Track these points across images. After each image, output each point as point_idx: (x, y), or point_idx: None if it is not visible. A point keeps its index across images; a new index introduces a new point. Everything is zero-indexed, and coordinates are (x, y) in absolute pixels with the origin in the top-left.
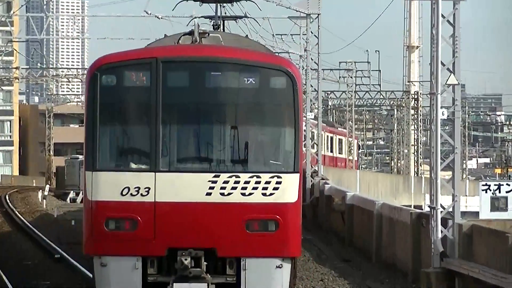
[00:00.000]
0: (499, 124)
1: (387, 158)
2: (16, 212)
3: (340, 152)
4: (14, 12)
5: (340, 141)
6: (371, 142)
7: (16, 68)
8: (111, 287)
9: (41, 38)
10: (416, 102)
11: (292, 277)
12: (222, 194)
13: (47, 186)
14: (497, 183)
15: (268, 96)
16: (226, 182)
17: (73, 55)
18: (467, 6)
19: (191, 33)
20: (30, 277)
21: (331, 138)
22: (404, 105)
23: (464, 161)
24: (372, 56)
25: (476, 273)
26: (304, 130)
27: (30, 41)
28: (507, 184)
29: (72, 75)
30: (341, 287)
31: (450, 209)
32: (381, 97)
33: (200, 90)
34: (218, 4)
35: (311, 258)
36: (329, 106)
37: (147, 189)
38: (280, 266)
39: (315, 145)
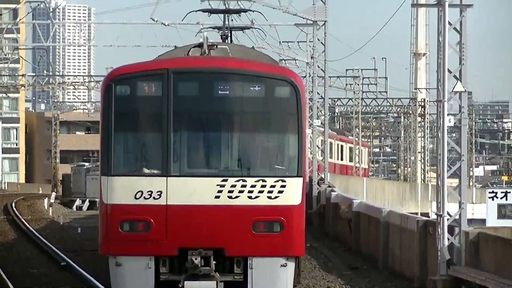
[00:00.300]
0: (506, 131)
1: (394, 165)
2: (22, 220)
3: (351, 160)
4: (20, 20)
5: (351, 149)
6: (378, 150)
7: (23, 75)
8: (125, 285)
9: (47, 45)
10: (423, 109)
11: (296, 275)
12: (230, 197)
13: (53, 193)
14: (504, 190)
15: (272, 104)
16: (233, 186)
17: (79, 63)
18: (474, 13)
19: (200, 45)
20: (35, 285)
21: (342, 146)
22: (411, 112)
23: (471, 169)
24: (379, 63)
25: (482, 280)
26: (311, 137)
27: (37, 48)
28: None
29: (78, 82)
30: None
31: (457, 217)
32: (388, 104)
33: (209, 100)
34: (226, 15)
35: (317, 266)
36: (335, 113)
37: (159, 193)
38: (285, 265)
39: (321, 152)
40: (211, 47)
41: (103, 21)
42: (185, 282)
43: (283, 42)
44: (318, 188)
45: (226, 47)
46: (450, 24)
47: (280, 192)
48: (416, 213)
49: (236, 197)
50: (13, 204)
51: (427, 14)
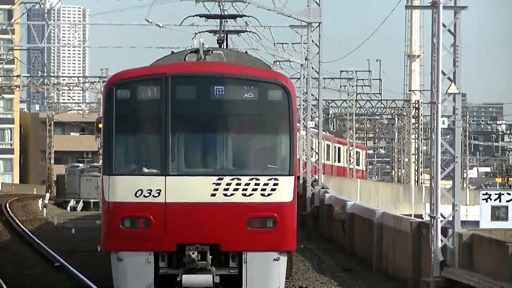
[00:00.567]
0: (500, 133)
1: (388, 167)
2: (17, 221)
3: (347, 162)
4: (15, 20)
5: (348, 151)
6: (371, 151)
7: (17, 76)
8: (127, 279)
9: (42, 46)
10: (417, 111)
11: (289, 268)
12: (225, 195)
13: (48, 194)
14: (497, 192)
15: (265, 107)
16: (228, 184)
17: (74, 64)
18: (469, 15)
19: (196, 50)
20: (30, 286)
21: (339, 148)
22: (405, 114)
23: (465, 170)
24: (373, 65)
25: (476, 282)
26: (305, 139)
27: (31, 49)
28: (507, 193)
29: (73, 83)
30: None
31: (450, 218)
32: (382, 106)
33: (205, 103)
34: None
35: (311, 268)
36: (330, 115)
37: (158, 191)
38: (278, 258)
39: (315, 154)
40: (207, 52)
41: (98, 22)
42: (183, 275)
43: (277, 43)
44: (312, 190)
45: (221, 52)
46: (444, 26)
47: (273, 190)
48: (410, 215)
49: (231, 195)
50: (7, 205)
51: (421, 16)
